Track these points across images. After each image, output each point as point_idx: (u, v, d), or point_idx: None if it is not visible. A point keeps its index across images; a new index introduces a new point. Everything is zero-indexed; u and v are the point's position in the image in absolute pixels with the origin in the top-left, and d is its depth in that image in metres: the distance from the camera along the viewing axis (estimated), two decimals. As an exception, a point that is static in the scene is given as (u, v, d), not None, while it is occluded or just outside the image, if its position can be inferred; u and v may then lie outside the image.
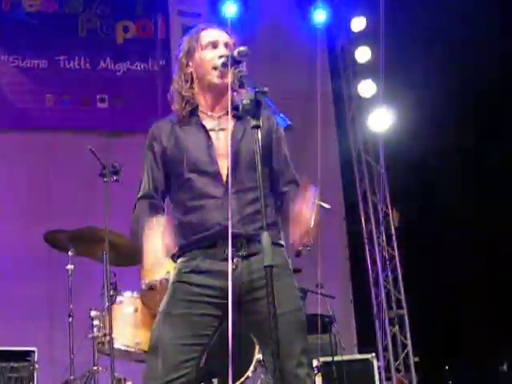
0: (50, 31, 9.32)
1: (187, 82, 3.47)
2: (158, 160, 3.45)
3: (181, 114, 3.45)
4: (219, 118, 3.44)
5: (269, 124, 3.45)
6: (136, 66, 9.46)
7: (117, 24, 9.62)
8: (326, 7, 10.26)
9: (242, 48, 3.22)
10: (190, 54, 3.49)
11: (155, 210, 3.39)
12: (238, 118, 3.42)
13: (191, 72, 3.47)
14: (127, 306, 6.16)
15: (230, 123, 3.42)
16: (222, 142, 3.37)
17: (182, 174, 3.35)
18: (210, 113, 3.45)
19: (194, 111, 3.45)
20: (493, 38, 9.03)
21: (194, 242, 3.30)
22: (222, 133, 3.40)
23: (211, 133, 3.39)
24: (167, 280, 5.74)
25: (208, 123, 3.42)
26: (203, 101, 3.47)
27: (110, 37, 9.57)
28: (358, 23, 10.12)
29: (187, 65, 3.49)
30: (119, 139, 9.10)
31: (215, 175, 3.31)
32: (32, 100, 9.07)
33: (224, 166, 3.32)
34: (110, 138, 8.91)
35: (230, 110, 3.39)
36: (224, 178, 3.31)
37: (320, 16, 10.26)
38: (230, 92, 3.40)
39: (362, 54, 10.16)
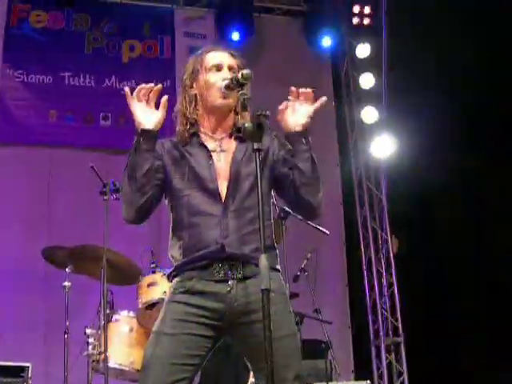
0: (56, 48, 9.34)
1: (191, 103, 3.48)
2: (158, 170, 3.39)
3: (183, 135, 3.45)
4: (221, 139, 3.45)
5: (272, 146, 3.46)
6: (140, 86, 9.47)
7: (123, 43, 9.65)
8: (331, 33, 10.30)
9: (245, 71, 3.23)
10: (194, 75, 3.50)
11: None
12: (239, 140, 3.43)
13: (195, 94, 3.48)
14: (123, 324, 6.16)
15: (231, 145, 3.43)
16: (223, 162, 3.39)
17: (182, 192, 3.36)
18: (211, 134, 3.46)
19: (195, 132, 3.46)
20: (495, 64, 9.07)
21: (190, 261, 3.31)
22: (222, 154, 3.42)
23: (212, 154, 3.40)
24: (164, 300, 5.76)
25: (209, 144, 3.43)
26: (206, 122, 3.48)
27: (115, 55, 9.60)
28: (363, 50, 10.16)
29: (191, 86, 3.50)
30: (121, 157, 9.07)
31: (214, 193, 3.33)
32: (35, 115, 9.07)
33: (223, 185, 3.34)
34: (112, 156, 8.91)
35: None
36: (223, 197, 3.32)
37: (326, 41, 10.29)
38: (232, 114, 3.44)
39: (366, 81, 10.19)
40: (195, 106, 3.48)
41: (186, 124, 3.46)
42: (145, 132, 3.28)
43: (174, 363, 3.17)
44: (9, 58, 9.12)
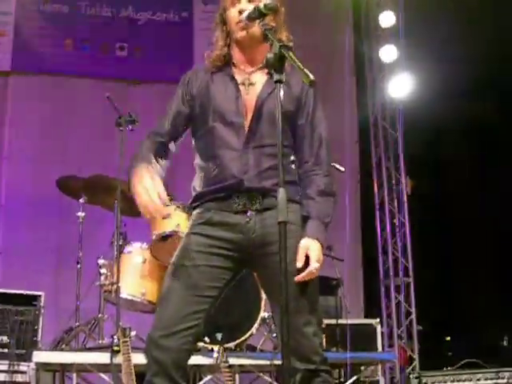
0: (73, -24, 9.25)
1: (223, 39, 3.45)
2: (184, 103, 3.43)
3: (214, 66, 3.42)
4: (251, 73, 3.42)
5: (301, 89, 3.42)
6: (157, 17, 9.37)
7: (141, -27, 9.53)
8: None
9: (268, 1, 3.17)
10: (223, 12, 3.47)
11: (161, 150, 3.39)
12: (270, 74, 3.38)
13: (227, 30, 3.45)
14: (136, 256, 6.19)
15: (261, 79, 3.39)
16: (250, 96, 3.36)
17: (207, 122, 3.35)
18: (242, 68, 3.42)
19: (227, 64, 3.42)
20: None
21: (210, 192, 3.30)
22: (251, 87, 3.39)
23: (241, 86, 3.37)
24: (177, 232, 5.78)
25: (239, 77, 3.40)
26: (237, 57, 3.45)
27: (133, -15, 9.49)
28: (384, -13, 10.00)
29: (224, 23, 3.46)
30: (137, 88, 9.06)
31: (238, 127, 3.30)
32: (51, 44, 9.01)
33: (249, 119, 3.31)
34: (128, 87, 8.87)
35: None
36: (246, 131, 3.29)
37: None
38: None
39: (386, 19, 10.04)
40: (227, 42, 3.45)
41: (218, 59, 3.43)
42: None
43: (192, 294, 3.17)
44: (25, -14, 9.03)
